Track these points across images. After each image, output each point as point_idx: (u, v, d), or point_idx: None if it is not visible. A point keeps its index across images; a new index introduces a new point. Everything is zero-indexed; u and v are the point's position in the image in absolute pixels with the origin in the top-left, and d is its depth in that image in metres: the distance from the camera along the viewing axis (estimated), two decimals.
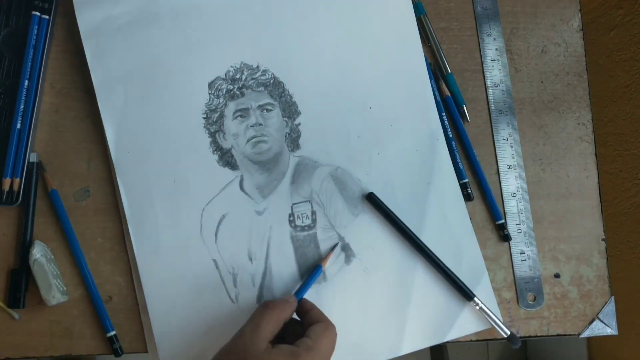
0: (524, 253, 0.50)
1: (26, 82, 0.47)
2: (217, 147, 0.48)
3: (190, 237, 0.46)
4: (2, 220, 0.46)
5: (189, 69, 0.48)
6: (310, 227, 0.47)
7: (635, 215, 0.77)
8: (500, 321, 0.47)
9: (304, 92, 0.49)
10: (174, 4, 0.49)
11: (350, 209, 0.48)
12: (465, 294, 0.46)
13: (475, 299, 0.46)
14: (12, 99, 0.47)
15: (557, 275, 0.50)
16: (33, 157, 0.47)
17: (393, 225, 0.47)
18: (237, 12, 0.49)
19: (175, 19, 0.48)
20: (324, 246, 0.47)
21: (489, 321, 0.46)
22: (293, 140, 0.48)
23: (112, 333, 0.45)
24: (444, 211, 0.49)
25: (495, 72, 0.53)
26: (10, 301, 0.45)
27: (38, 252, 0.44)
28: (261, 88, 0.49)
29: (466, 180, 0.50)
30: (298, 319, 0.43)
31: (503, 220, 0.50)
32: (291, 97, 0.49)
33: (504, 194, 0.51)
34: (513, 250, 0.50)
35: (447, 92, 0.51)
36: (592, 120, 0.53)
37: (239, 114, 0.48)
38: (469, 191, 0.50)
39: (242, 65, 0.49)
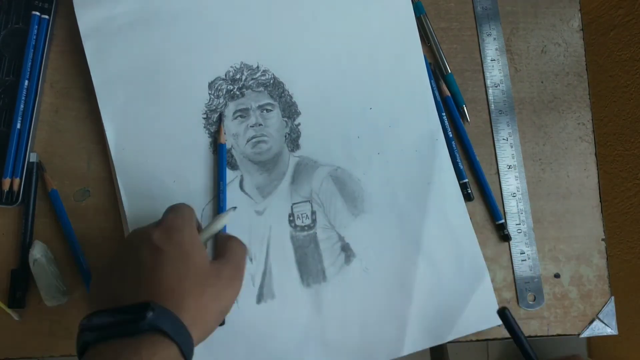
0: (524, 253, 0.50)
1: (26, 82, 0.47)
2: (217, 147, 0.48)
3: None
4: (2, 220, 0.46)
5: (189, 69, 0.48)
6: (310, 227, 0.47)
7: (635, 215, 0.77)
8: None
9: (304, 92, 0.49)
10: (174, 4, 0.49)
11: (350, 209, 0.48)
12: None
13: None
14: (12, 99, 0.47)
15: (557, 275, 0.50)
16: (33, 157, 0.47)
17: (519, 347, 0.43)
18: (237, 12, 0.49)
19: (175, 18, 0.48)
20: (324, 246, 0.47)
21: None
22: (293, 140, 0.48)
23: None
24: (444, 211, 0.49)
25: (495, 72, 0.53)
26: (10, 301, 0.45)
27: (38, 252, 0.44)
28: (261, 88, 0.49)
29: (466, 180, 0.50)
30: None
31: (503, 220, 0.50)
32: (291, 97, 0.49)
33: (504, 194, 0.51)
34: (513, 250, 0.50)
35: (447, 92, 0.51)
36: (592, 120, 0.53)
37: (238, 114, 0.48)
38: (469, 191, 0.50)
39: (242, 66, 0.49)
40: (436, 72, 0.52)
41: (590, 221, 0.51)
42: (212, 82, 0.48)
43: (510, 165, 0.51)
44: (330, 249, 0.47)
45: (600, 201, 0.52)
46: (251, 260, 0.46)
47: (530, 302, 0.49)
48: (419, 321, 0.47)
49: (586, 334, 0.50)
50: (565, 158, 0.52)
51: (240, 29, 0.49)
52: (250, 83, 0.48)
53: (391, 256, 0.47)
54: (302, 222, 0.47)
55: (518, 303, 0.49)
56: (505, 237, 0.50)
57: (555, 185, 0.52)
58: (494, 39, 0.53)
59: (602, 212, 0.52)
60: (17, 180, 0.46)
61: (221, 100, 0.48)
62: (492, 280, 0.49)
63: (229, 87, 0.48)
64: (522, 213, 0.50)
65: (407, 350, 0.46)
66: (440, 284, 0.47)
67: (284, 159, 0.48)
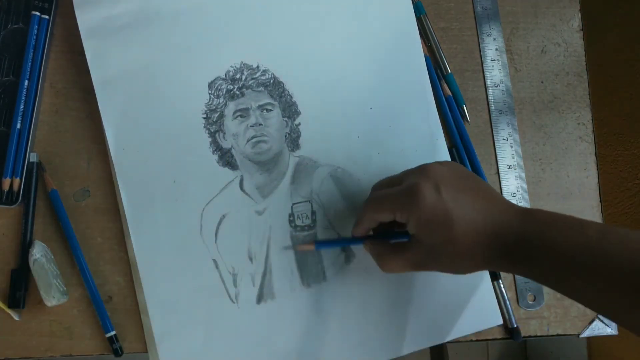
0: None
1: (26, 82, 0.47)
2: (217, 147, 0.47)
3: (190, 237, 0.46)
4: (2, 220, 0.46)
5: (189, 69, 0.48)
6: (310, 227, 0.47)
7: (635, 215, 0.77)
8: (511, 311, 0.47)
9: (304, 92, 0.49)
10: (174, 4, 0.49)
11: (350, 209, 0.48)
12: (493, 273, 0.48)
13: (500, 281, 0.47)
14: (12, 99, 0.47)
15: None
16: (33, 157, 0.47)
17: None
18: (237, 12, 0.49)
19: (175, 19, 0.48)
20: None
21: (503, 307, 0.47)
22: (293, 140, 0.48)
23: (112, 333, 0.45)
24: None
25: (495, 72, 0.53)
26: (10, 301, 0.45)
27: (38, 252, 0.44)
28: (261, 88, 0.49)
29: None
30: None
31: None
32: (291, 97, 0.49)
33: (504, 194, 0.51)
34: None
35: (448, 92, 0.51)
36: (592, 120, 0.53)
37: (238, 114, 0.48)
38: None
39: (242, 65, 0.49)
40: (436, 72, 0.52)
41: None
42: (212, 81, 0.48)
43: (510, 165, 0.51)
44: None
45: (600, 201, 0.52)
46: (251, 260, 0.46)
47: (530, 302, 0.49)
48: (418, 321, 0.47)
49: (586, 334, 0.50)
50: (565, 158, 0.52)
51: (240, 29, 0.49)
52: (250, 83, 0.48)
53: None
54: (303, 222, 0.47)
55: (518, 303, 0.49)
56: None
57: (555, 185, 0.52)
58: (494, 39, 0.53)
59: (602, 212, 0.52)
60: (17, 180, 0.46)
61: (221, 100, 0.48)
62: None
63: (229, 87, 0.48)
64: None
65: (407, 349, 0.46)
66: (440, 284, 0.47)
67: (284, 159, 0.48)
